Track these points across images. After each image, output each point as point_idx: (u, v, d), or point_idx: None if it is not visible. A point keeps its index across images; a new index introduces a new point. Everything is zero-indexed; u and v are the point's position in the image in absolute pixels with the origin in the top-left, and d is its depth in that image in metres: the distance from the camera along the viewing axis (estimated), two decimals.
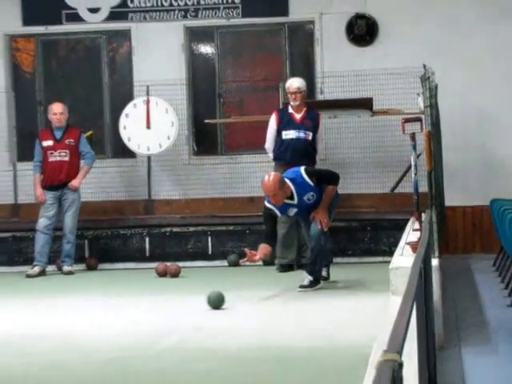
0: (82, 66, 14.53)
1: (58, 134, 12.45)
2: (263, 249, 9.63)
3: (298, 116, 10.82)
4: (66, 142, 12.42)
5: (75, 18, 13.96)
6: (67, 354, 7.27)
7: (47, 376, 6.65)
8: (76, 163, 12.44)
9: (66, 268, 12.06)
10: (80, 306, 9.80)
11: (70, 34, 14.28)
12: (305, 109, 10.93)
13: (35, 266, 11.94)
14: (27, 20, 13.97)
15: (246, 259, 9.69)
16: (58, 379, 6.45)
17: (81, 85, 14.57)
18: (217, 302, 8.57)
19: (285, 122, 10.78)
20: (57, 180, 12.25)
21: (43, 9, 13.94)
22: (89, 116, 14.36)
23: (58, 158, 12.31)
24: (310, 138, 10.78)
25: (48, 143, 12.36)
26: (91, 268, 12.57)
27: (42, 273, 11.95)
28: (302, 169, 9.68)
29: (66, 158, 12.34)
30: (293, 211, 9.76)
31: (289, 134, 10.75)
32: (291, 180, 9.52)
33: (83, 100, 14.51)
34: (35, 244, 12.14)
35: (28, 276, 11.81)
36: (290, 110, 10.86)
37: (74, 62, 14.80)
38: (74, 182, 12.24)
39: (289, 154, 10.59)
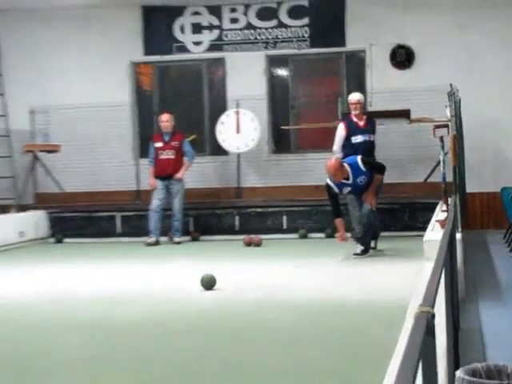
0: (188, 86, 14.53)
1: (167, 138, 12.47)
2: (341, 223, 9.69)
3: (361, 123, 10.52)
4: (173, 143, 12.44)
5: (183, 49, 13.98)
6: (174, 304, 7.33)
7: (154, 321, 6.66)
8: (180, 160, 12.42)
9: (175, 239, 12.09)
10: (186, 267, 9.93)
11: (179, 61, 14.25)
12: (365, 117, 10.68)
13: (152, 237, 12.02)
14: (147, 51, 14.05)
15: (340, 239, 9.69)
16: (161, 326, 6.48)
17: (187, 100, 14.48)
18: (209, 284, 7.72)
19: (352, 130, 10.48)
20: (165, 173, 12.27)
21: (159, 43, 14.00)
22: (193, 123, 14.26)
23: (166, 156, 12.36)
24: (372, 139, 10.59)
25: (159, 144, 12.44)
26: (195, 239, 12.60)
27: (157, 242, 12.00)
28: (359, 158, 9.62)
29: (172, 156, 12.37)
30: (347, 189, 9.66)
31: (358, 139, 10.44)
32: (349, 165, 9.49)
33: (188, 111, 14.37)
34: (150, 220, 12.22)
35: (147, 245, 11.89)
36: (355, 119, 10.55)
37: (181, 82, 14.82)
38: (178, 175, 12.28)
39: (359, 155, 10.41)
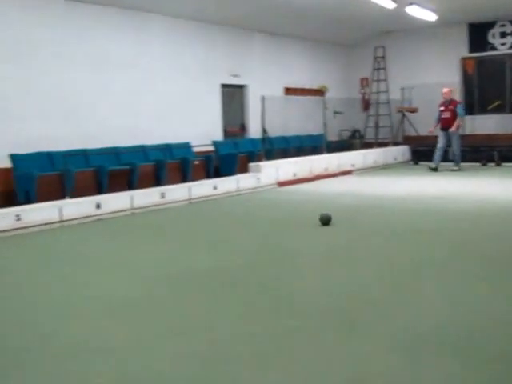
0: (496, 71, 14.82)
1: (446, 104, 12.18)
2: None
3: None
4: (449, 107, 12.13)
5: (493, 48, 14.84)
6: (443, 204, 7.58)
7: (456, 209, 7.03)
8: (453, 118, 12.05)
9: (454, 168, 12.27)
10: (492, 180, 10.44)
11: (490, 56, 14.86)
12: None
13: (432, 164, 12.30)
14: (471, 50, 15.03)
15: None
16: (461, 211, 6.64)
17: (495, 79, 14.63)
18: (325, 220, 6.67)
19: None
20: (444, 126, 12.18)
21: (478, 44, 14.82)
22: (498, 94, 14.74)
23: (445, 116, 12.15)
24: None
25: (441, 108, 12.28)
26: (498, 165, 13.03)
27: (435, 169, 12.24)
28: None
29: (448, 116, 12.12)
30: None
31: None
32: None
33: (496, 87, 14.60)
34: (435, 154, 12.22)
35: (431, 169, 12.28)
36: None
37: (492, 69, 15.01)
38: (452, 129, 12.06)
39: None
